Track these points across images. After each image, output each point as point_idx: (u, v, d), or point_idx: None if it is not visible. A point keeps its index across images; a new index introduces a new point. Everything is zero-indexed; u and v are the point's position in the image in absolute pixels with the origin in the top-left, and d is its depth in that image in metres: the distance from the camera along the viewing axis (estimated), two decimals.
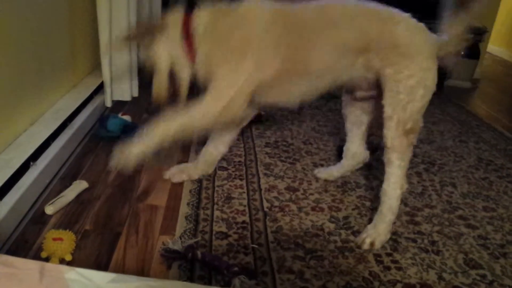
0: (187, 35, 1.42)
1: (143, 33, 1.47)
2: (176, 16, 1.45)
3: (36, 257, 1.21)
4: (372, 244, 1.40)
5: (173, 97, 1.52)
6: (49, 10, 1.74)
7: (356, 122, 1.69)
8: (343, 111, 1.71)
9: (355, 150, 1.74)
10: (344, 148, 1.76)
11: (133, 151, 1.40)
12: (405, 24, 1.41)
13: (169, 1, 3.58)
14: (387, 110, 1.41)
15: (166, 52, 1.45)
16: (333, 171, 1.80)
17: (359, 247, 1.40)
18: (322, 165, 1.91)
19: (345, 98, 1.68)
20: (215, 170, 1.76)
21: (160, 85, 1.50)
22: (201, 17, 1.43)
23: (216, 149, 1.71)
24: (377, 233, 1.42)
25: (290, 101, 1.52)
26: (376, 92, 1.49)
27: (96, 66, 2.32)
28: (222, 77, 1.39)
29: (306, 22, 1.40)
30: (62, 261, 1.21)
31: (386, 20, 1.40)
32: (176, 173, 1.69)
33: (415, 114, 1.40)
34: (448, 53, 1.42)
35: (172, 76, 1.49)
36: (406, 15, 1.43)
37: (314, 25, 1.40)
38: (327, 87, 1.49)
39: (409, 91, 1.38)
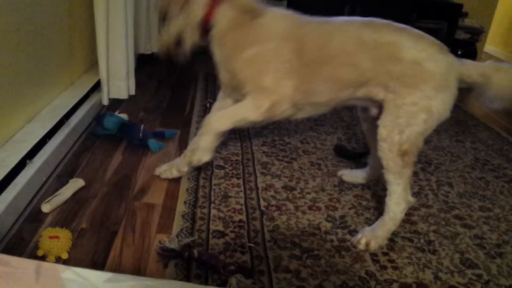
0: (204, 26, 1.47)
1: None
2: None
3: (33, 255, 1.21)
4: (367, 244, 1.39)
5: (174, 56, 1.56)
6: (46, 8, 1.74)
7: (376, 136, 1.64)
8: (362, 127, 1.71)
9: (379, 163, 1.69)
10: (368, 160, 1.75)
11: (202, 145, 1.51)
12: (409, 58, 1.32)
13: None
14: (382, 132, 1.37)
15: (178, 19, 1.48)
16: (358, 177, 1.79)
17: (354, 246, 1.40)
18: (319, 164, 1.91)
19: (361, 116, 1.67)
20: (212, 169, 1.76)
21: (166, 39, 1.52)
22: (225, 14, 1.44)
23: None
24: (373, 236, 1.40)
25: (297, 117, 1.55)
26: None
27: (93, 64, 2.32)
28: (252, 90, 1.43)
29: (310, 51, 1.40)
30: (58, 259, 1.21)
31: (386, 58, 1.34)
32: (167, 169, 1.68)
33: (413, 138, 1.34)
34: (476, 79, 1.36)
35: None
36: (415, 41, 1.34)
37: (317, 57, 1.40)
38: (332, 109, 1.55)
39: (410, 116, 1.33)
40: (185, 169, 1.66)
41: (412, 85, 1.32)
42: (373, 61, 1.35)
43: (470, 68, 1.36)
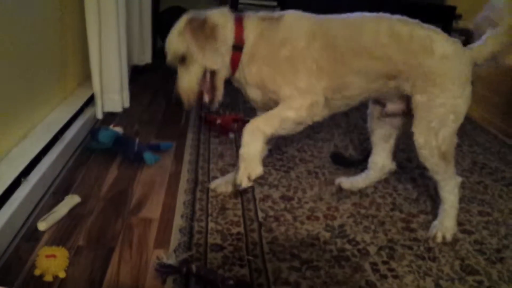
0: (238, 45, 1.43)
1: (197, 31, 1.40)
2: (226, 20, 1.44)
3: (30, 274, 1.20)
4: (444, 237, 1.49)
5: (200, 100, 1.50)
6: (39, 24, 1.73)
7: (384, 136, 1.69)
8: (370, 124, 1.71)
9: (383, 162, 1.73)
10: (370, 160, 1.75)
11: (253, 154, 1.39)
12: (440, 52, 1.40)
13: (160, 12, 3.58)
14: (419, 140, 1.45)
15: (212, 55, 1.42)
16: (358, 182, 1.77)
17: (433, 240, 1.49)
18: (316, 173, 1.90)
19: (372, 112, 1.68)
20: (208, 181, 1.75)
21: (190, 85, 1.46)
22: (251, 28, 1.44)
23: None
24: (445, 228, 1.50)
25: (328, 114, 1.54)
26: (406, 107, 1.53)
27: (86, 77, 2.31)
28: (288, 93, 1.40)
29: (341, 44, 1.41)
30: (56, 278, 1.19)
31: (419, 51, 1.40)
32: (222, 183, 1.69)
33: (448, 138, 1.44)
34: (487, 57, 1.45)
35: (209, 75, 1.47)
36: (443, 37, 1.43)
37: (348, 49, 1.41)
38: (358, 103, 1.55)
39: (441, 119, 1.42)
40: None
41: (440, 84, 1.40)
42: (406, 54, 1.40)
43: (479, 51, 1.45)
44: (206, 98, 1.50)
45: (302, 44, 1.40)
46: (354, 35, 1.43)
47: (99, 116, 2.16)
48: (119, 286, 1.20)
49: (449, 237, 1.49)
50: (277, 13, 1.48)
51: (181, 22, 1.44)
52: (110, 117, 2.30)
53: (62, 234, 1.39)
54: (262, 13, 1.48)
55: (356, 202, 1.70)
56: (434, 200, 1.75)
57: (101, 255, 1.31)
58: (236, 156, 2.00)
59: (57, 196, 1.57)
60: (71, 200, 1.52)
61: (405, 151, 2.09)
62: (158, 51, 3.46)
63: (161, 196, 1.63)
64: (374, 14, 1.47)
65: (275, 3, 3.39)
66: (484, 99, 3.43)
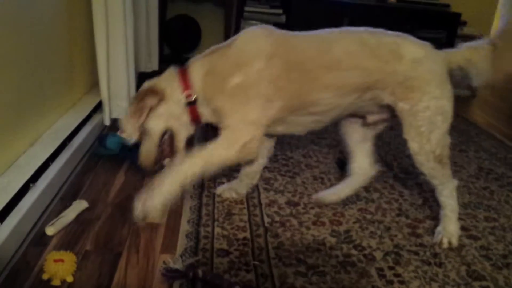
0: (189, 101, 1.40)
1: (143, 105, 1.39)
2: (170, 80, 1.41)
3: (38, 279, 1.21)
4: (450, 243, 1.50)
5: (161, 159, 1.48)
6: (47, 31, 1.76)
7: (360, 139, 1.65)
8: (343, 129, 1.67)
9: (365, 166, 1.68)
10: (351, 166, 1.69)
11: (156, 201, 1.30)
12: (410, 56, 1.39)
13: (167, 20, 3.61)
14: (413, 146, 1.44)
15: (164, 117, 1.42)
16: (343, 191, 1.70)
17: (439, 246, 1.50)
18: (322, 179, 1.91)
19: (348, 121, 1.64)
20: (214, 186, 1.76)
21: (149, 151, 1.46)
22: (196, 73, 1.40)
23: (252, 168, 1.67)
24: (449, 233, 1.51)
25: (298, 132, 1.53)
26: (388, 114, 1.51)
27: (94, 84, 2.33)
28: (232, 123, 1.36)
29: (308, 59, 1.38)
30: (63, 283, 1.20)
31: (389, 57, 1.38)
32: (226, 189, 1.70)
33: (441, 140, 1.43)
34: (461, 62, 1.45)
35: (167, 138, 1.46)
36: (411, 41, 1.42)
37: (316, 65, 1.38)
38: (335, 119, 1.52)
39: (429, 122, 1.41)
40: (244, 192, 1.70)
41: (418, 88, 1.38)
42: (377, 60, 1.38)
43: (454, 55, 1.46)
44: (165, 162, 1.48)
45: (256, 67, 1.34)
46: (323, 49, 1.39)
47: (107, 122, 2.18)
48: None
49: (455, 242, 1.50)
50: (230, 39, 1.43)
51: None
52: (117, 123, 2.31)
53: (69, 239, 1.40)
54: (212, 47, 1.43)
55: (362, 208, 1.70)
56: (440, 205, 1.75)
57: (108, 259, 1.32)
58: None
59: (65, 202, 1.58)
60: (79, 206, 1.54)
61: (410, 157, 2.09)
62: (165, 59, 3.49)
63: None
64: (341, 28, 1.45)
65: (280, 11, 3.41)
66: (490, 105, 3.43)
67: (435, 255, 1.45)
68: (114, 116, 2.28)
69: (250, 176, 1.69)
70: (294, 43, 1.40)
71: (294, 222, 1.57)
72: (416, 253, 1.45)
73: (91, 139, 2.04)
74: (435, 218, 1.65)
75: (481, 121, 2.91)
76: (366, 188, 1.84)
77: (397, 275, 1.34)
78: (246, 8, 3.38)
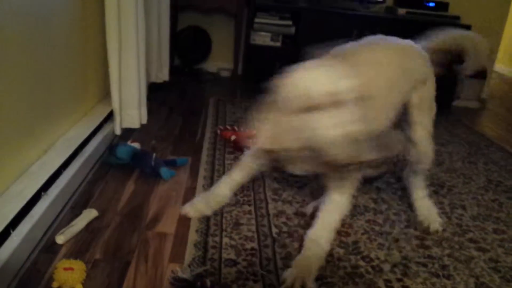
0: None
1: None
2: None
3: (48, 286, 1.22)
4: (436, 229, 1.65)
5: None
6: (62, 41, 1.79)
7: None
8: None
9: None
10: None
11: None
12: (418, 55, 1.57)
13: (177, 31, 3.64)
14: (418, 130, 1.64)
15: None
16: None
17: (428, 234, 1.63)
18: None
19: None
20: None
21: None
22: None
23: (223, 190, 1.65)
24: (433, 219, 1.69)
25: None
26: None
27: (105, 94, 2.36)
28: None
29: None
30: None
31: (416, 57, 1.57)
32: (191, 210, 1.64)
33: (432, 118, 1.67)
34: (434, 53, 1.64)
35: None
36: (410, 44, 1.58)
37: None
38: None
39: (429, 106, 1.63)
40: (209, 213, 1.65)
41: (425, 81, 1.59)
42: (417, 65, 1.59)
43: (436, 40, 1.67)
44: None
45: None
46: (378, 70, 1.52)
47: (118, 132, 2.20)
48: None
49: (439, 226, 1.66)
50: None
51: None
52: (128, 133, 2.34)
53: (79, 247, 1.42)
54: None
55: (370, 219, 1.70)
56: (449, 217, 1.75)
57: (117, 268, 1.33)
58: None
59: (76, 210, 1.60)
60: (89, 214, 1.55)
61: None
62: (175, 69, 3.52)
63: (177, 211, 1.65)
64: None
65: (290, 22, 3.44)
66: (499, 117, 3.41)
67: (444, 267, 1.45)
68: (125, 126, 2.31)
69: (215, 202, 1.65)
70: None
71: (302, 232, 1.58)
72: (425, 265, 1.45)
73: (102, 148, 2.06)
74: (444, 230, 1.65)
75: (490, 133, 2.90)
76: (375, 200, 1.84)
77: (405, 287, 1.34)
78: (256, 20, 3.41)
